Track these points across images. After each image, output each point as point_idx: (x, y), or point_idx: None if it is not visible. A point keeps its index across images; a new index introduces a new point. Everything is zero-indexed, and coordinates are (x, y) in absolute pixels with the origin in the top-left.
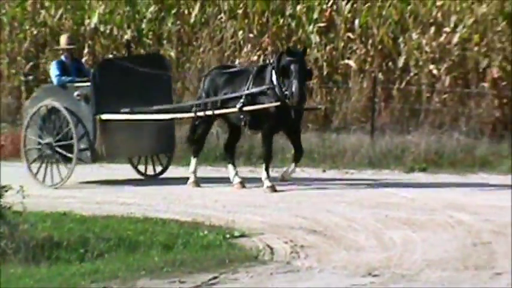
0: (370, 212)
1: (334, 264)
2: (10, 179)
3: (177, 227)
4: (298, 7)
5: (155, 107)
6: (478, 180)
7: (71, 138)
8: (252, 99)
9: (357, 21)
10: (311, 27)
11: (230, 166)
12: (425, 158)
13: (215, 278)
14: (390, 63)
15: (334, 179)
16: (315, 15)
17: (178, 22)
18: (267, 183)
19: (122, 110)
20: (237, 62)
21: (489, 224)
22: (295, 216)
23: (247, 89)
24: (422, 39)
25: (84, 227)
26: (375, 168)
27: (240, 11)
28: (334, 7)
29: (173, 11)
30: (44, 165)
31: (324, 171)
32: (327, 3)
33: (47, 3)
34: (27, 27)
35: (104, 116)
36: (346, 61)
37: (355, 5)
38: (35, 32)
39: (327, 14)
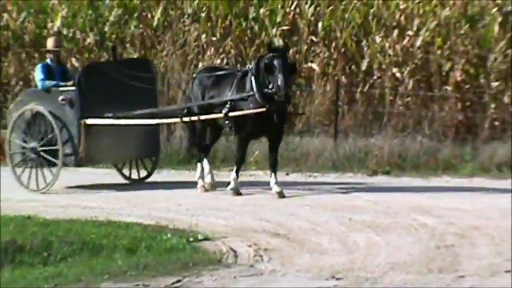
0: (333, 215)
1: (297, 268)
2: None
3: (140, 231)
4: (261, 10)
5: (136, 112)
6: (441, 183)
7: (56, 143)
8: (235, 105)
9: (320, 25)
10: (274, 30)
11: (199, 165)
12: (388, 161)
13: (179, 281)
14: (353, 67)
15: (298, 183)
16: (278, 19)
17: (141, 25)
18: (232, 184)
19: (106, 115)
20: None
21: (452, 227)
22: (259, 220)
23: (231, 95)
24: (385, 42)
25: (47, 231)
26: (338, 171)
27: (203, 14)
28: (297, 10)
29: (136, 14)
30: (29, 170)
31: (287, 174)
32: (290, 7)
33: (9, 7)
34: None
35: (89, 121)
36: (310, 64)
37: (318, 8)
38: None
39: (290, 17)
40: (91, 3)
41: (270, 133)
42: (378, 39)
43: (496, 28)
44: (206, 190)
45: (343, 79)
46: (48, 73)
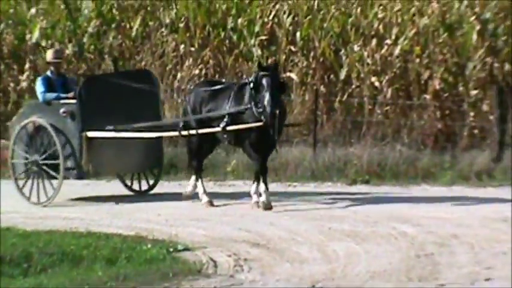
0: (313, 224)
1: (277, 277)
2: None
3: (120, 241)
4: (240, 20)
5: (136, 125)
6: (420, 192)
7: (58, 156)
8: (233, 118)
9: (298, 34)
10: (253, 40)
11: (196, 181)
12: (367, 170)
13: None
14: (332, 76)
15: (277, 192)
16: (257, 28)
17: (119, 36)
18: (264, 197)
19: (107, 128)
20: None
21: (432, 235)
22: (238, 230)
23: (228, 108)
24: (364, 51)
25: (27, 242)
26: (318, 180)
27: (181, 25)
28: (276, 20)
29: (114, 25)
30: (31, 183)
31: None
32: (268, 17)
33: None
34: None
35: (90, 134)
36: (288, 74)
37: (296, 18)
38: None
39: (269, 27)
40: (69, 14)
41: (267, 146)
42: (356, 48)
43: (475, 36)
44: (212, 204)
45: (322, 88)
46: (49, 85)
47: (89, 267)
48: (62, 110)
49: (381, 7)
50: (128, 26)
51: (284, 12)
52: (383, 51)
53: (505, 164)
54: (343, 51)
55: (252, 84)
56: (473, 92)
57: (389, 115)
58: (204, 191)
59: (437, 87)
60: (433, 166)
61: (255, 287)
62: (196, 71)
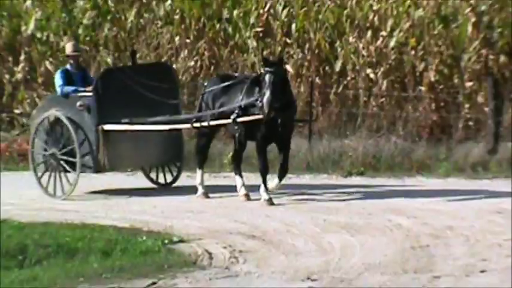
0: (308, 216)
1: (273, 269)
2: None
3: (115, 233)
4: (235, 12)
5: (151, 119)
6: (415, 184)
7: (75, 150)
8: (244, 111)
9: (293, 26)
10: (248, 32)
11: (237, 177)
12: (363, 162)
13: (154, 283)
14: (327, 68)
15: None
16: (252, 20)
17: (114, 28)
18: (264, 196)
19: (123, 121)
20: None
21: (427, 227)
22: (234, 221)
23: (241, 101)
24: (359, 43)
25: (22, 234)
26: (313, 172)
27: (176, 17)
28: (271, 12)
29: (109, 17)
30: (49, 175)
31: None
32: (264, 8)
33: None
34: None
35: (106, 127)
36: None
37: (291, 10)
38: None
39: (264, 18)
40: (64, 6)
41: (277, 141)
42: (351, 40)
43: (470, 28)
44: (206, 197)
45: (317, 80)
46: (68, 78)
47: (84, 259)
48: (78, 103)
49: None
50: (123, 17)
51: (279, 4)
52: (378, 43)
53: (500, 156)
54: (338, 43)
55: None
56: (469, 84)
57: (385, 107)
58: (201, 182)
59: (433, 79)
60: (428, 158)
61: (250, 278)
62: (192, 63)
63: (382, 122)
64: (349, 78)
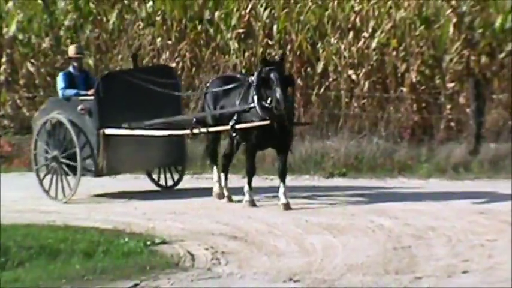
0: (290, 217)
1: (255, 270)
2: None
3: (97, 235)
4: (217, 13)
5: (148, 122)
6: (397, 185)
7: (76, 153)
8: (240, 116)
9: (275, 27)
10: (229, 33)
11: (222, 176)
12: (344, 163)
13: (136, 285)
14: (309, 69)
15: (254, 186)
16: (233, 21)
17: (96, 29)
18: (247, 196)
19: (122, 125)
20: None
21: (409, 228)
22: (216, 223)
23: (237, 106)
24: (340, 44)
25: (5, 236)
26: (295, 174)
27: (158, 18)
28: (253, 13)
29: (91, 19)
30: (51, 178)
31: (244, 177)
32: (245, 9)
33: None
34: None
35: (107, 131)
36: None
37: (273, 11)
38: None
39: (245, 20)
40: (46, 8)
41: (276, 145)
42: (333, 41)
43: (451, 29)
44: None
45: (299, 81)
46: (70, 81)
47: (66, 260)
48: (79, 107)
49: (358, 0)
50: (104, 19)
51: (261, 5)
52: (360, 44)
53: (482, 156)
54: (319, 44)
55: (255, 82)
56: (450, 85)
57: (366, 108)
58: (220, 186)
59: (414, 80)
60: (410, 159)
61: (232, 280)
62: (173, 64)
63: (364, 123)
64: (330, 79)
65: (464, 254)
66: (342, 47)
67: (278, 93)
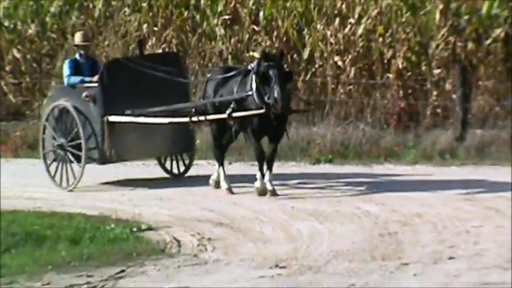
0: (276, 204)
1: (241, 257)
2: None
3: (83, 221)
4: (202, 0)
5: (151, 109)
6: (383, 171)
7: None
8: (238, 104)
9: (261, 13)
10: (216, 19)
11: (220, 169)
12: (331, 150)
13: (122, 271)
14: (295, 55)
15: (240, 172)
16: (220, 8)
17: (82, 16)
18: (258, 183)
19: (126, 112)
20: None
21: (395, 214)
22: (202, 209)
23: (236, 93)
24: (327, 30)
25: None
26: (281, 160)
27: (144, 4)
28: None
29: (77, 5)
30: (56, 165)
31: (230, 163)
32: None
33: None
34: None
35: (111, 118)
36: (251, 53)
37: None
38: None
39: (231, 6)
40: None
41: (270, 133)
42: (319, 27)
43: (438, 16)
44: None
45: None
46: (76, 68)
47: (52, 247)
48: (84, 94)
49: None
50: (90, 5)
51: None
52: (346, 30)
53: (468, 143)
54: (306, 30)
55: (255, 69)
56: (436, 71)
57: (353, 94)
58: (225, 178)
59: (400, 66)
60: (396, 145)
61: (218, 266)
62: (159, 51)
63: (350, 110)
64: (317, 65)
65: (450, 241)
66: (328, 33)
67: (277, 91)
